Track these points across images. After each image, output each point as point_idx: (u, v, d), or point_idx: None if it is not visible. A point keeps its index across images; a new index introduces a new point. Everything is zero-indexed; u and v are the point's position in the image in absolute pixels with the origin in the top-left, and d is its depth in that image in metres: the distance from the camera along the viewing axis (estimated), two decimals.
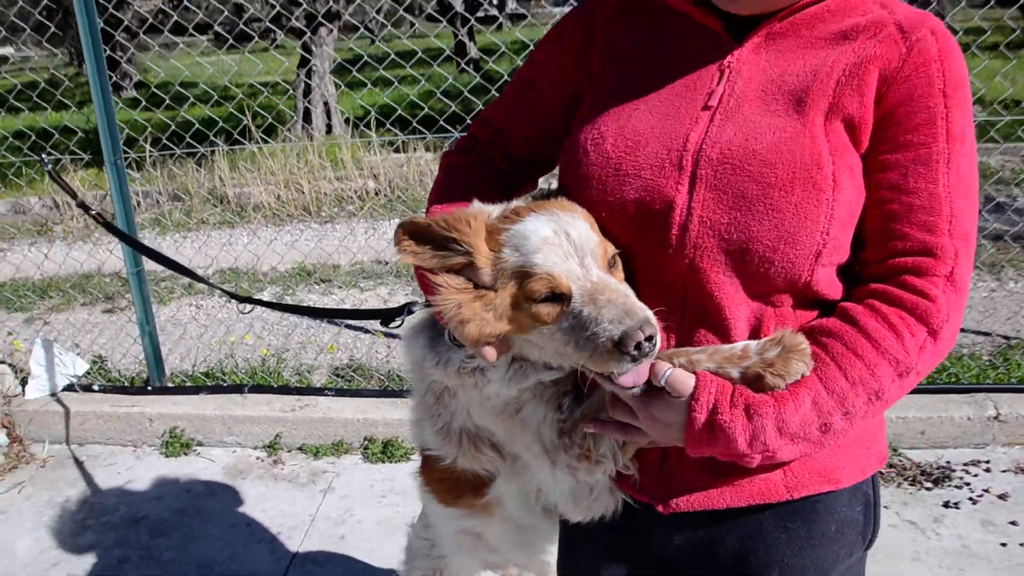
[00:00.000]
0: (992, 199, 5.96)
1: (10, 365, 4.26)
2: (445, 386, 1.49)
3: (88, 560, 3.22)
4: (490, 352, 1.24)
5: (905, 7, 1.24)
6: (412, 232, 1.25)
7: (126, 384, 4.33)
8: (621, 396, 1.24)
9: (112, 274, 6.28)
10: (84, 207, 1.94)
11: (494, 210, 1.32)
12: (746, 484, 1.31)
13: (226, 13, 10.37)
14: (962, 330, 4.42)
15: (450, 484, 1.74)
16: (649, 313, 1.15)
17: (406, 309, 1.72)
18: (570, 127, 1.41)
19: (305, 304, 5.57)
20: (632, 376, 1.18)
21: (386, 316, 1.75)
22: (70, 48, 17.41)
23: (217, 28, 10.70)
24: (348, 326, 5.04)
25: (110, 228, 1.95)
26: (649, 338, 1.12)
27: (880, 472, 1.46)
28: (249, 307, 1.89)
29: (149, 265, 5.52)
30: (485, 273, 1.23)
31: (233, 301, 1.94)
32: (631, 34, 1.38)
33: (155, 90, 7.24)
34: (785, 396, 1.17)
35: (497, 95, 1.72)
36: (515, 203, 1.34)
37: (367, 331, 4.85)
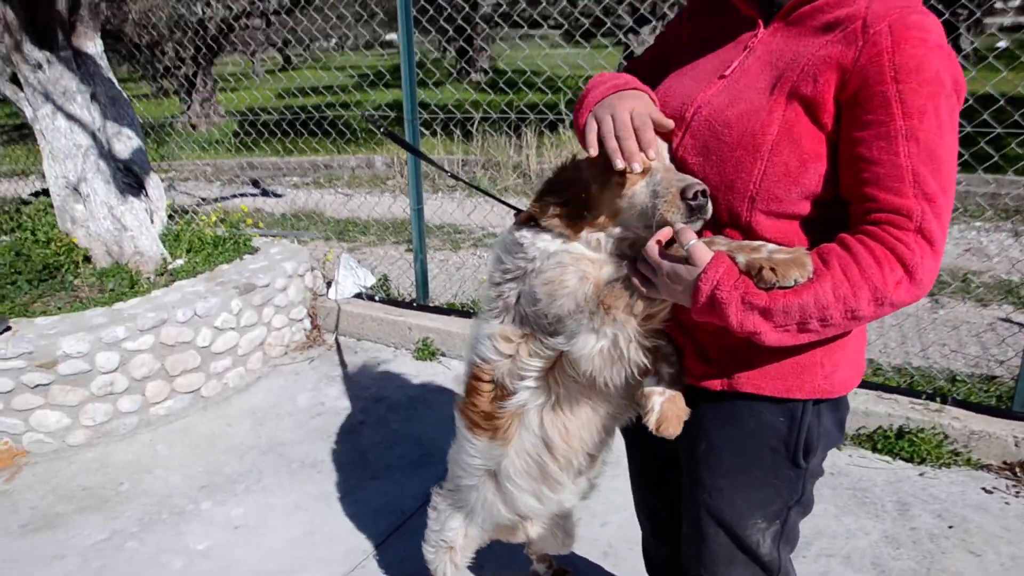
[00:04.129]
0: None
1: (322, 272, 5.39)
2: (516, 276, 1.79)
3: (340, 416, 4.11)
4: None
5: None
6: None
7: (398, 299, 5.24)
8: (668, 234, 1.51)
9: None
10: (388, 133, 2.42)
11: None
12: (703, 371, 1.61)
13: (564, 4, 11.36)
14: None
15: (483, 407, 1.96)
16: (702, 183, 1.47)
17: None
18: None
19: None
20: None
21: (518, 211, 1.98)
22: (438, 36, 19.86)
23: (556, 18, 11.72)
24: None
25: (395, 138, 2.39)
26: (703, 192, 1.45)
27: (819, 403, 1.61)
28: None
29: (443, 219, 6.48)
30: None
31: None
32: (701, 24, 1.74)
33: (504, 74, 8.29)
34: (777, 294, 1.38)
35: None
36: None
37: None
